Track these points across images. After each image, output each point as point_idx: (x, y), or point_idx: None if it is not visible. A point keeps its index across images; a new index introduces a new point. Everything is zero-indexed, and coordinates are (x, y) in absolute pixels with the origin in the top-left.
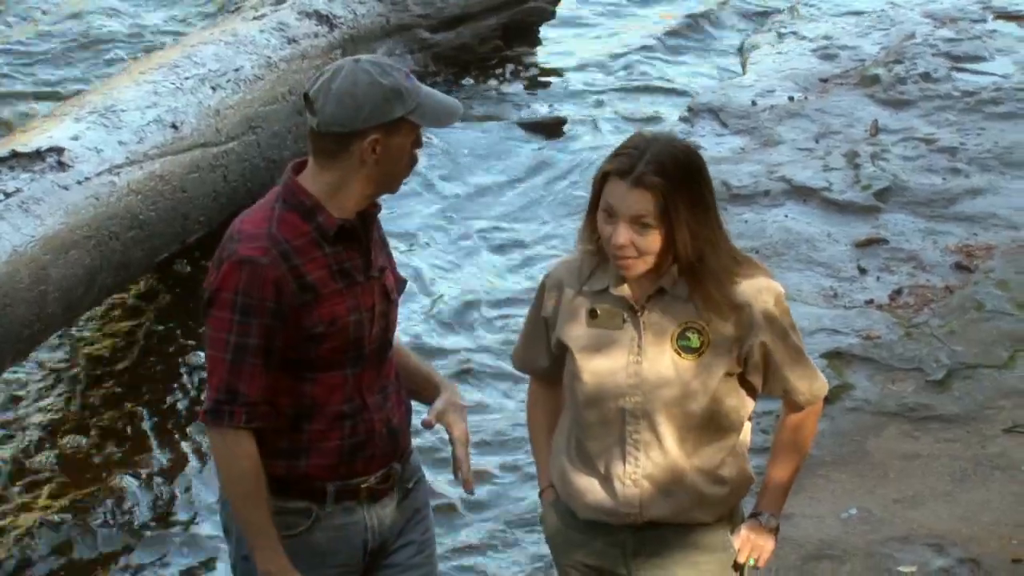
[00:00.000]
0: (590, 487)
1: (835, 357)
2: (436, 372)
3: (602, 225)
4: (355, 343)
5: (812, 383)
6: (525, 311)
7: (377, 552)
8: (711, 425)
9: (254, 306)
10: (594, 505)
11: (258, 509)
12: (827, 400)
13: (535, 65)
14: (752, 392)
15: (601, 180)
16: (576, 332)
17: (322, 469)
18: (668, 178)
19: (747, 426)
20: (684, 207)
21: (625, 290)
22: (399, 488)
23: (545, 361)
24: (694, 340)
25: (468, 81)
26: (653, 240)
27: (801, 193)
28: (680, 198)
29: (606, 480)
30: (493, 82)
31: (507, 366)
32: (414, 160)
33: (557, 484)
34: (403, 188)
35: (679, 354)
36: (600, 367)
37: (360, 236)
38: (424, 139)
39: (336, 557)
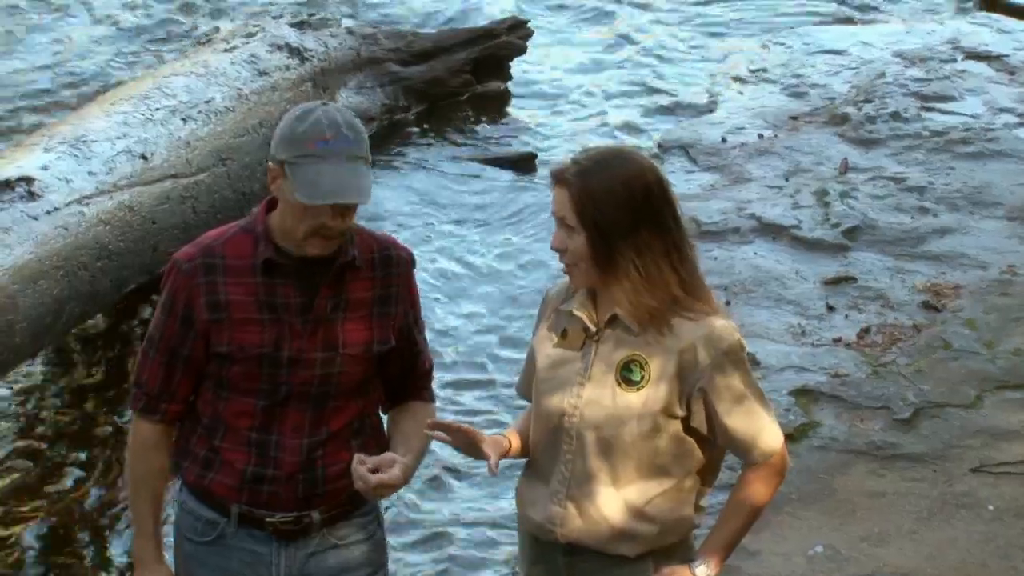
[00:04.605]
0: (532, 500)
1: (803, 395)
2: (413, 446)
3: None
4: (269, 377)
5: (759, 438)
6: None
7: None
8: (644, 462)
9: (168, 305)
10: (531, 518)
11: (139, 497)
12: (794, 438)
13: (505, 100)
14: (704, 442)
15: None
16: (546, 349)
17: (225, 488)
18: (583, 175)
19: (694, 478)
20: (593, 205)
21: (583, 312)
22: (322, 540)
23: None
24: (635, 373)
25: (437, 115)
26: (577, 243)
27: (770, 230)
28: (589, 195)
29: (543, 495)
30: (463, 115)
31: None
32: (309, 230)
33: (516, 497)
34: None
35: (619, 385)
36: (552, 384)
37: (292, 275)
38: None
39: None
